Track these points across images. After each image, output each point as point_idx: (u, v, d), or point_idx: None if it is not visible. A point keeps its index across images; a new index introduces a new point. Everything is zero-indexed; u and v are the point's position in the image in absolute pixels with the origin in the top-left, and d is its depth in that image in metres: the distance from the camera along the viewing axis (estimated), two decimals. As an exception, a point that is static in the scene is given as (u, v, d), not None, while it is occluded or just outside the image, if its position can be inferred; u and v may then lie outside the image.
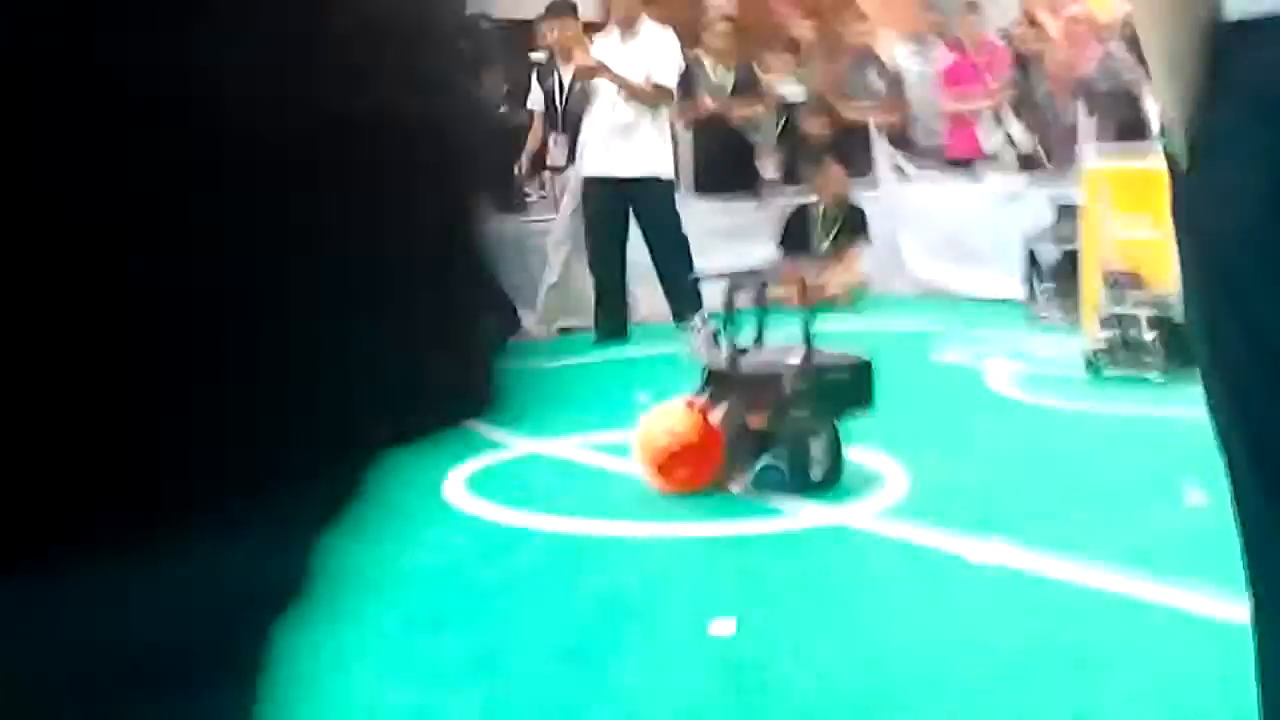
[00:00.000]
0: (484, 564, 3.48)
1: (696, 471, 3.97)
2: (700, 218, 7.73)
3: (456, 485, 4.20)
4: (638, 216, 7.02)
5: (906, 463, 4.17)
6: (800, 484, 3.92)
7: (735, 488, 3.96)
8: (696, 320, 4.10)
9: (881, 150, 8.86)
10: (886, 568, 3.29)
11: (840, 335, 7.22)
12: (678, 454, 3.96)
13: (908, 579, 3.18)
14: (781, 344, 4.16)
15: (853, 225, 8.53)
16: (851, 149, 8.82)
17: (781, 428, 3.98)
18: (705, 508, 3.87)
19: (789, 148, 9.04)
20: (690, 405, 4.01)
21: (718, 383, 4.09)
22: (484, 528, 3.81)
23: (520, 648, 2.83)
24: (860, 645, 2.75)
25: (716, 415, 3.99)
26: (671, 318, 6.87)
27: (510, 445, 4.73)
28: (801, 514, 3.76)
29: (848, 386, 4.03)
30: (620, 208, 7.00)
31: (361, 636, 2.78)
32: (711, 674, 2.64)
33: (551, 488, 4.25)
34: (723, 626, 2.84)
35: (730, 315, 4.18)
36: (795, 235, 8.53)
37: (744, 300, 4.28)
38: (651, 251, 7.01)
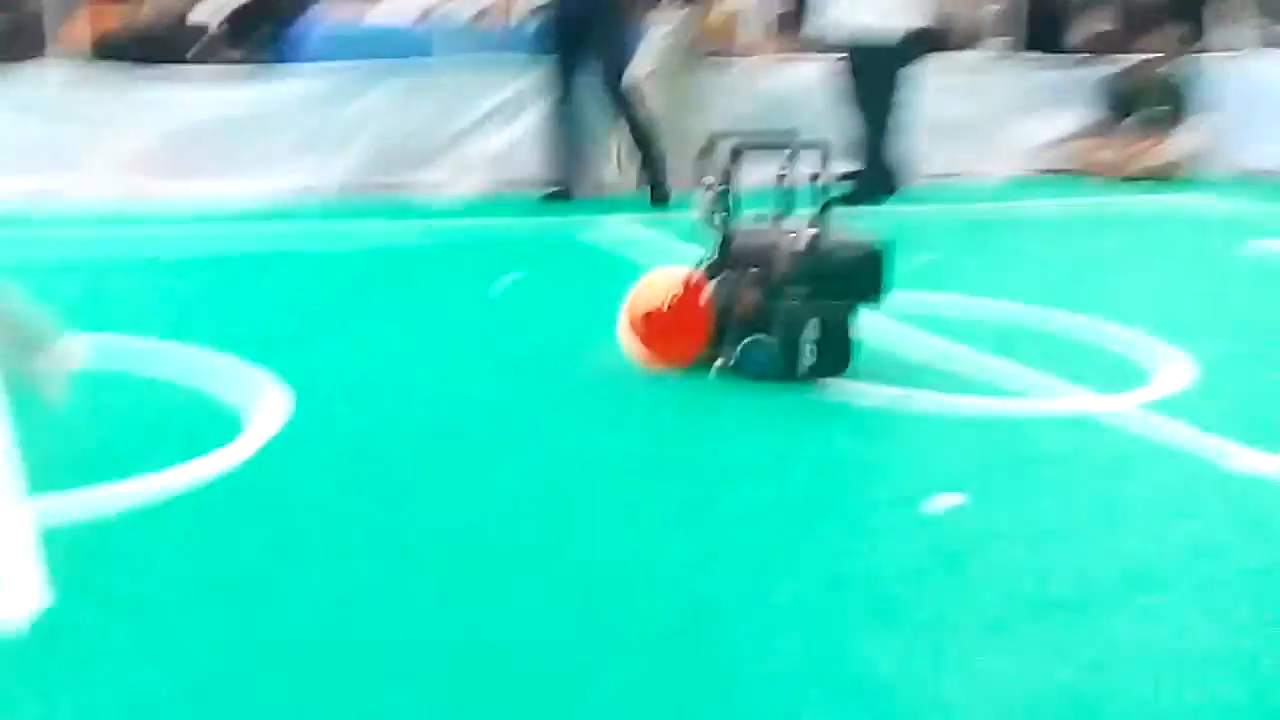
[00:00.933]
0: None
1: (673, 346, 3.87)
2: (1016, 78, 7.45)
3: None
4: None
5: (1193, 355, 3.98)
6: (788, 371, 3.76)
7: (717, 366, 3.84)
8: (706, 180, 3.93)
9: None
10: (1134, 463, 3.22)
11: (1140, 214, 6.98)
12: (655, 324, 3.86)
13: (1154, 476, 3.11)
14: (800, 220, 3.90)
15: (1177, 97, 8.00)
16: (1193, 9, 8.23)
17: (772, 309, 3.77)
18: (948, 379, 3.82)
19: (1121, 6, 8.51)
20: (688, 277, 3.89)
21: (719, 255, 3.91)
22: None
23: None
24: (1086, 537, 2.74)
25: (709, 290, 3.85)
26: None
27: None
28: (1057, 399, 3.69)
29: (853, 273, 3.79)
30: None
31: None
32: (921, 549, 2.69)
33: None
34: (945, 501, 2.87)
35: (728, 182, 3.88)
36: (1116, 102, 8.09)
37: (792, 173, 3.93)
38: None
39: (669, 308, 3.84)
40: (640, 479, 3.18)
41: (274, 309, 4.67)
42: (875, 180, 6.93)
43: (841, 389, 3.77)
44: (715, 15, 7.53)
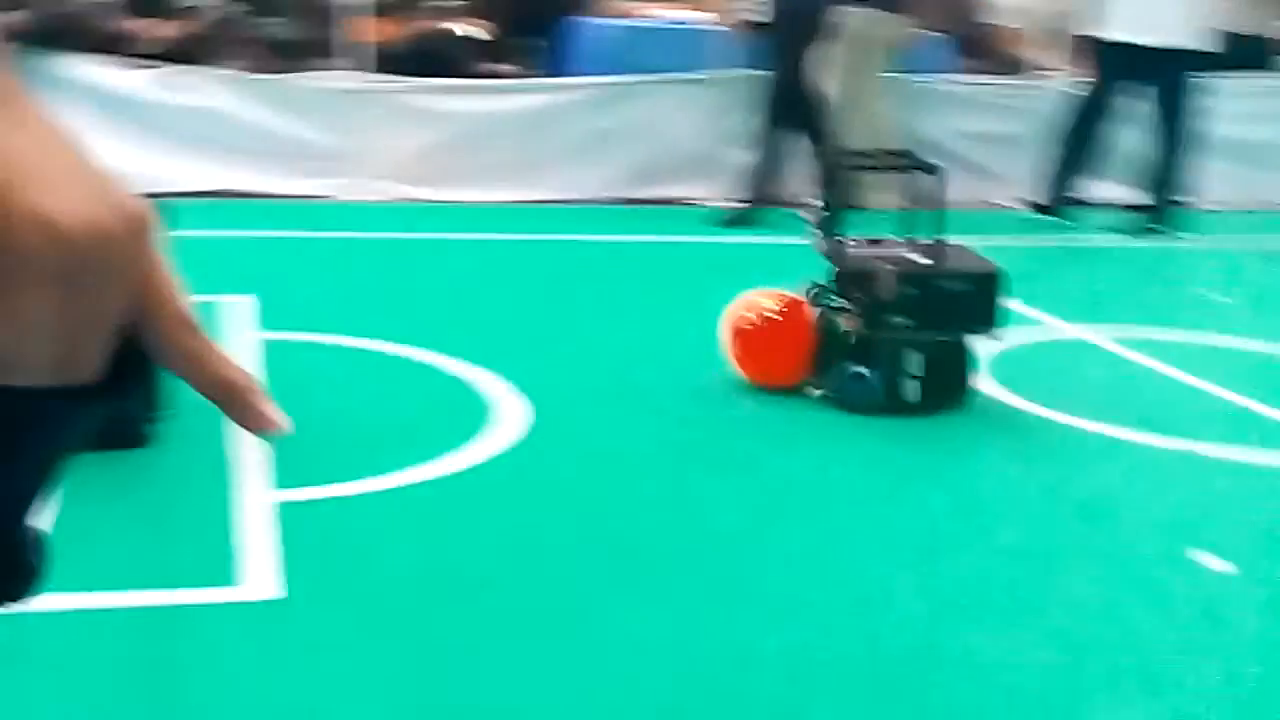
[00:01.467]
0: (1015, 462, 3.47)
1: (769, 365, 3.77)
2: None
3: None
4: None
5: None
6: (891, 402, 3.59)
7: (813, 392, 3.71)
8: (813, 200, 3.84)
9: None
10: None
11: None
12: (752, 341, 3.77)
13: None
14: (922, 242, 3.71)
15: None
16: None
17: (873, 339, 3.61)
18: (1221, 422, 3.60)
19: None
20: (788, 298, 3.77)
21: (825, 279, 3.75)
22: (1009, 417, 3.76)
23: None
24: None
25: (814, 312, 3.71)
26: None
27: (1043, 325, 4.63)
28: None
29: (964, 300, 3.59)
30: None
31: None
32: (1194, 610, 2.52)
33: (1086, 382, 4.10)
34: (1209, 560, 2.70)
35: (835, 198, 3.75)
36: None
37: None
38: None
39: (761, 326, 3.79)
40: (876, 511, 3.11)
41: (528, 312, 4.78)
42: (1166, 205, 6.60)
43: (1113, 428, 3.60)
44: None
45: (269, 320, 4.38)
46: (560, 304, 4.95)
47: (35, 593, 0.53)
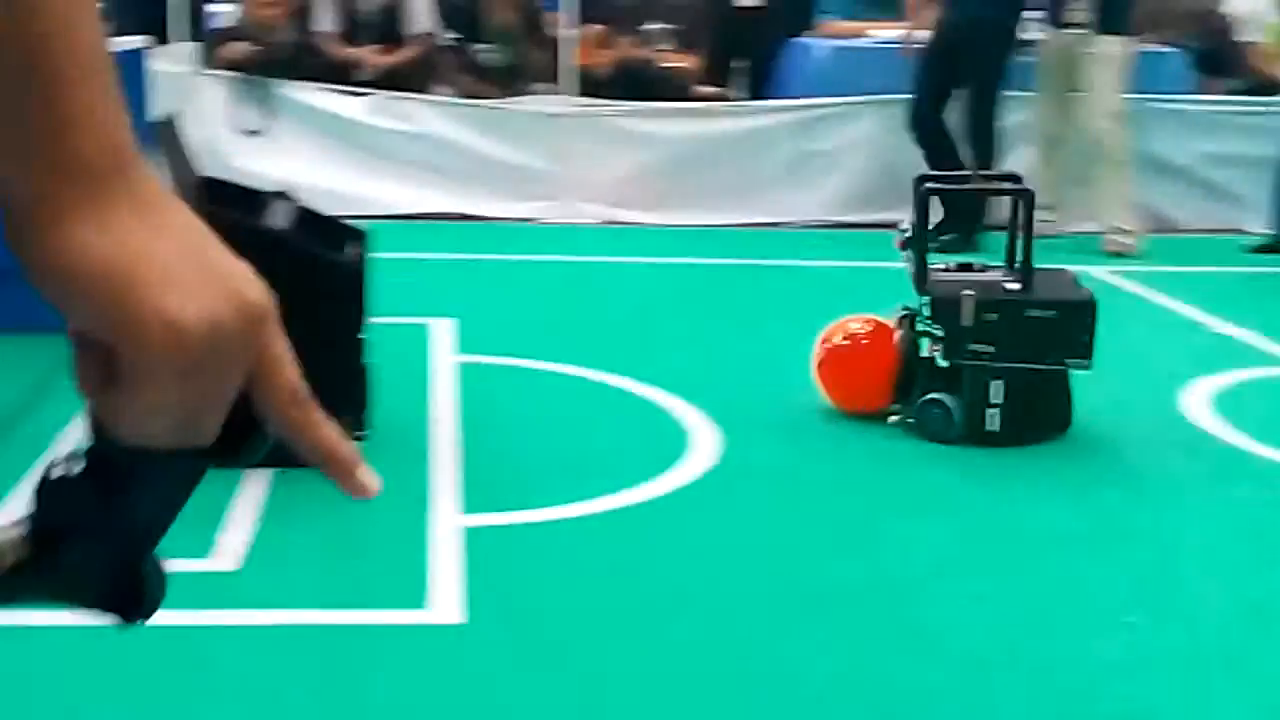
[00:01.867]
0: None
1: (852, 389, 3.75)
2: None
3: (1200, 400, 3.97)
4: None
5: None
6: (970, 433, 3.50)
7: (891, 420, 3.65)
8: (901, 224, 3.72)
9: None
10: None
11: None
12: (836, 365, 3.76)
13: None
14: (1019, 269, 3.62)
15: None
16: None
17: (955, 367, 3.50)
18: None
19: None
20: (877, 322, 3.75)
21: (913, 303, 3.68)
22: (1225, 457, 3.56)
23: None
24: None
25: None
26: None
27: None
28: None
29: (1052, 329, 3.48)
30: None
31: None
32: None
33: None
34: None
35: (923, 219, 3.63)
36: None
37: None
38: None
39: (845, 350, 3.77)
40: (1073, 561, 2.96)
41: (728, 339, 4.75)
42: None
43: None
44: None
45: (468, 343, 4.47)
46: (763, 331, 4.90)
47: (151, 616, 0.61)
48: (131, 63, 4.29)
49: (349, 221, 3.82)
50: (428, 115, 6.86)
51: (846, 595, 2.75)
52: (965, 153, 6.38)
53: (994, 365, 3.49)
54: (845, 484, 3.40)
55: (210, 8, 7.54)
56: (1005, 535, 3.08)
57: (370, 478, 0.61)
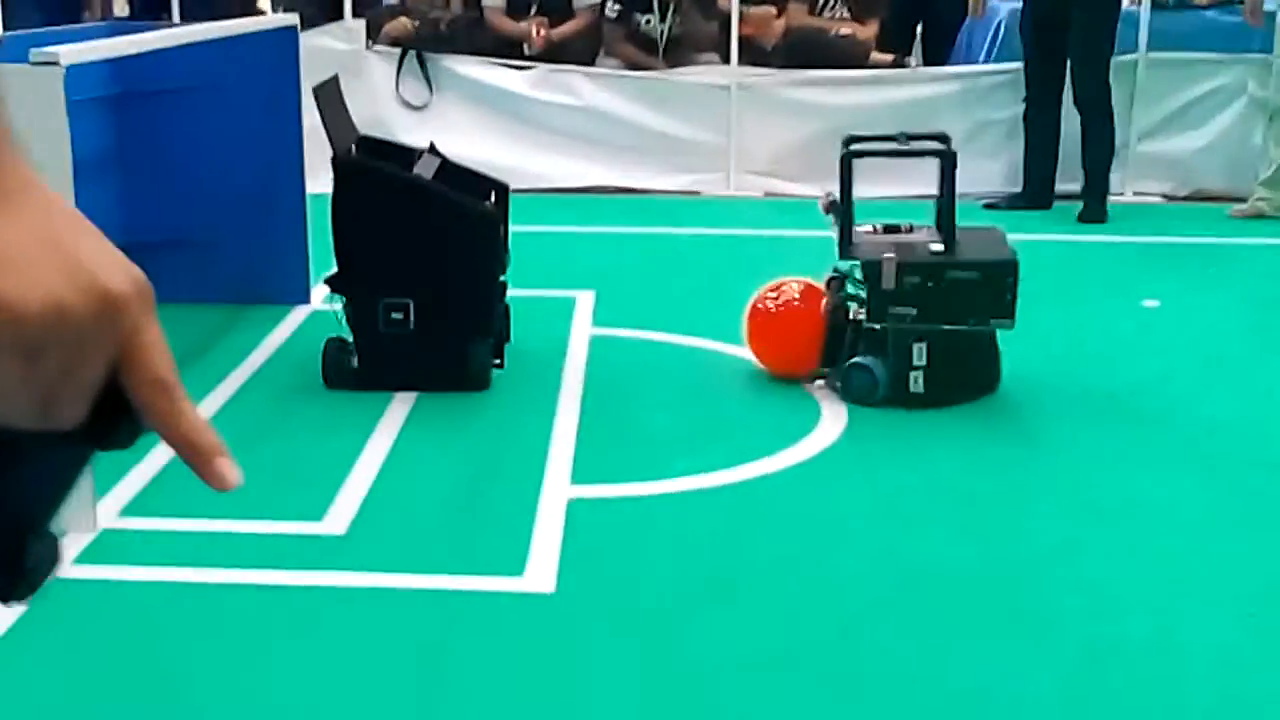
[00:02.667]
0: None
1: (779, 351, 3.80)
2: None
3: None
4: None
5: None
6: (896, 394, 3.54)
7: (819, 385, 3.71)
8: (826, 189, 3.66)
9: None
10: None
11: None
12: (763, 326, 3.81)
13: None
14: (933, 229, 3.68)
15: None
16: None
17: (878, 330, 3.53)
18: None
19: None
20: (805, 286, 3.79)
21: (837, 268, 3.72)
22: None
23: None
24: None
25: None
26: None
27: None
28: None
29: (974, 290, 3.50)
30: None
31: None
32: None
33: None
34: None
35: (847, 182, 3.58)
36: None
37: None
38: None
39: (772, 312, 3.78)
40: (1203, 544, 2.83)
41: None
42: None
43: None
44: None
45: (610, 316, 4.50)
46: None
47: (30, 594, 0.62)
48: (285, 38, 4.45)
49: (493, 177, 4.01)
50: (591, 88, 6.91)
51: (952, 578, 2.68)
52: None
53: (917, 327, 3.51)
54: (969, 466, 3.31)
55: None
56: (1124, 517, 2.95)
57: (230, 470, 0.62)
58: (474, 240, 3.66)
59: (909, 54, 7.57)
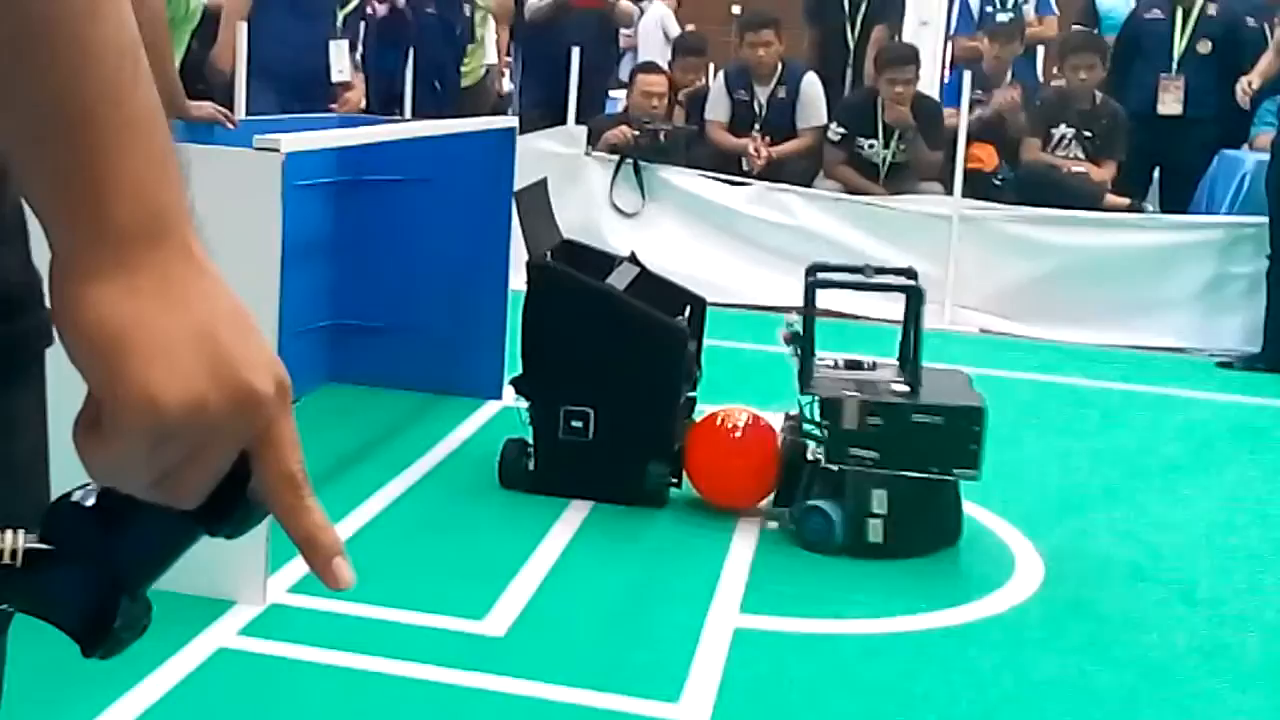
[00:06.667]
0: None
1: (719, 483, 3.73)
2: None
3: None
4: None
5: None
6: (851, 541, 3.46)
7: (772, 524, 3.63)
8: (790, 317, 3.55)
9: None
10: None
11: None
12: (706, 455, 3.73)
13: None
14: (894, 367, 3.66)
15: None
16: None
17: (840, 466, 3.45)
18: None
19: None
20: (752, 418, 3.76)
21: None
22: None
23: None
24: None
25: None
26: None
27: None
28: None
29: (939, 436, 3.42)
30: None
31: None
32: None
33: None
34: None
35: (808, 315, 3.49)
36: None
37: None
38: None
39: (717, 441, 3.70)
40: None
41: (1083, 465, 4.54)
42: None
43: None
44: None
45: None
46: (1124, 461, 4.65)
47: (112, 654, 0.67)
48: (503, 139, 4.66)
49: (693, 291, 4.10)
50: (806, 208, 6.98)
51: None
52: None
53: (878, 471, 3.45)
54: (1169, 636, 3.17)
55: (612, 94, 8.02)
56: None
57: (345, 570, 0.65)
58: (659, 354, 3.72)
59: (1145, 199, 7.43)
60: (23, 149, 0.61)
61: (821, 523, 3.48)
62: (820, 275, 3.78)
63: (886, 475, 3.44)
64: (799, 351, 3.58)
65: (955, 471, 3.46)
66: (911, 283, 3.73)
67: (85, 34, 0.59)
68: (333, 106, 5.62)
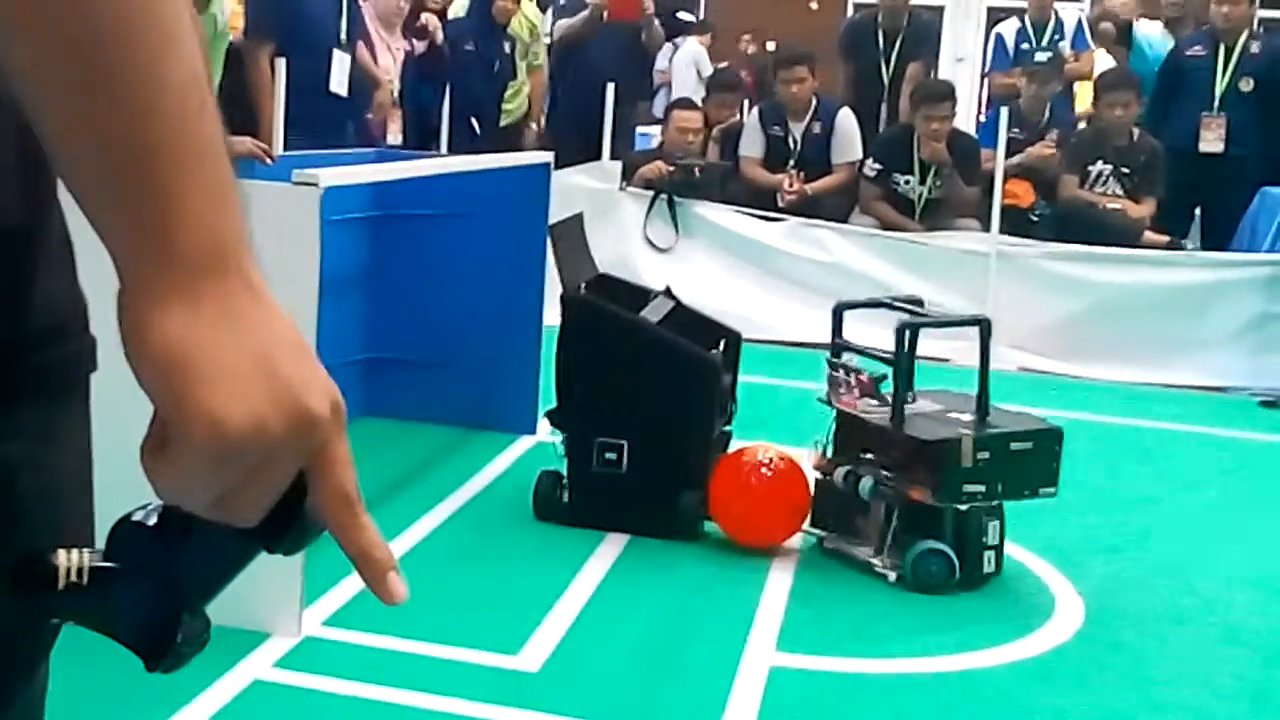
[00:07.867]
0: None
1: (755, 525, 3.72)
2: None
3: None
4: None
5: None
6: (970, 577, 3.52)
7: (890, 575, 3.54)
8: (844, 360, 3.67)
9: None
10: None
11: None
12: (735, 492, 3.71)
13: None
14: (934, 394, 3.78)
15: None
16: None
17: (952, 505, 3.47)
18: None
19: None
20: (790, 455, 3.76)
21: (851, 436, 3.69)
22: None
23: None
24: None
25: (836, 473, 3.65)
26: None
27: None
28: None
29: (1032, 460, 3.53)
30: None
31: None
32: None
33: None
34: None
35: (906, 358, 3.64)
36: None
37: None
38: None
39: (748, 479, 3.69)
40: None
41: (1125, 506, 4.51)
42: None
43: None
44: None
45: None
46: (1165, 500, 4.62)
47: (174, 669, 0.69)
48: (538, 174, 4.69)
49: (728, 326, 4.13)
50: (842, 244, 6.99)
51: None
52: None
53: (988, 505, 3.53)
54: (1194, 680, 3.14)
55: (642, 129, 8.04)
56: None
57: (399, 586, 0.68)
58: (693, 388, 3.75)
59: (1186, 236, 7.40)
60: (90, 180, 0.63)
61: (943, 565, 3.51)
62: (901, 317, 3.83)
63: (996, 506, 3.57)
64: (879, 395, 3.64)
65: (1041, 491, 3.59)
66: (982, 315, 3.91)
67: (159, 73, 0.61)
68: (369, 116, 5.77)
